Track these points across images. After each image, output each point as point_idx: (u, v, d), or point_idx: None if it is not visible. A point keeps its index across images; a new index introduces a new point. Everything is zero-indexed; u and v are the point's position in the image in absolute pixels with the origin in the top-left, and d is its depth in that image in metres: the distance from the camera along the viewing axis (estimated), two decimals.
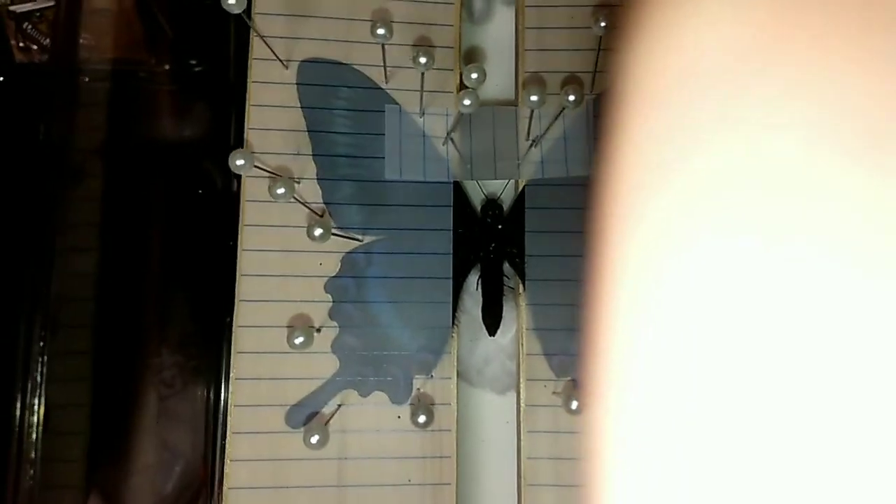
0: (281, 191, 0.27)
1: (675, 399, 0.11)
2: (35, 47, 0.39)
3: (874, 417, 0.09)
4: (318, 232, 0.27)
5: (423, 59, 0.28)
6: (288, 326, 0.31)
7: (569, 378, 0.32)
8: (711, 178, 0.11)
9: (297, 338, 0.27)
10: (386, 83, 0.33)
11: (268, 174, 0.31)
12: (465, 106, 0.28)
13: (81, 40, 0.38)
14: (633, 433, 0.12)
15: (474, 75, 0.28)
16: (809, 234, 0.10)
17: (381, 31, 0.28)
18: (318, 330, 0.31)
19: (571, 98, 0.28)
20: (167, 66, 0.38)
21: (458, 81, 0.34)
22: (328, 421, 0.30)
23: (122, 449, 0.33)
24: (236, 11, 0.28)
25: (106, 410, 0.33)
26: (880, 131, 0.10)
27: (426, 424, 0.29)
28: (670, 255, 0.11)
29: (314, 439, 0.26)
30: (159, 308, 0.34)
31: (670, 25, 0.12)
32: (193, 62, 0.37)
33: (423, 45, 0.33)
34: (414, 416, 0.29)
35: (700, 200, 0.11)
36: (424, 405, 0.29)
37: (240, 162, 0.27)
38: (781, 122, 0.11)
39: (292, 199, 0.28)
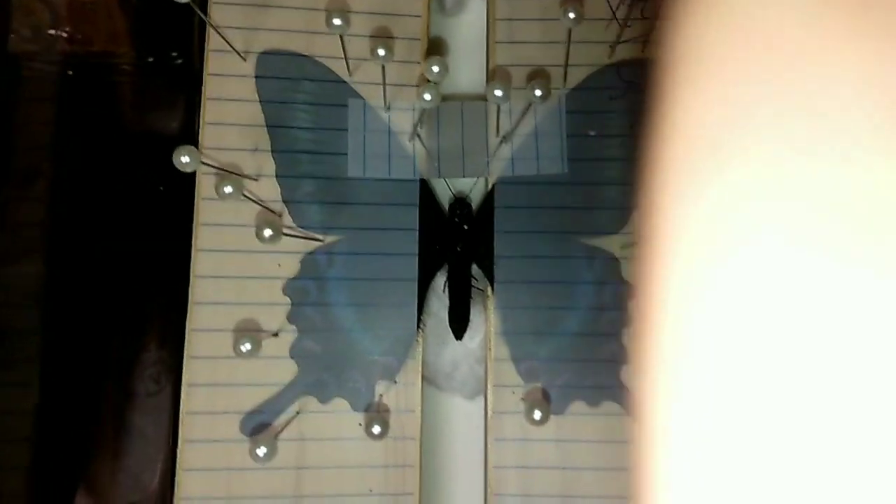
0: (228, 189, 0.25)
1: (723, 402, 0.11)
2: (13, 37, 0.38)
3: None
4: (267, 233, 0.26)
5: (381, 52, 0.27)
6: (235, 331, 0.29)
7: (537, 384, 0.30)
8: (764, 177, 0.11)
9: (243, 344, 0.26)
10: (350, 76, 0.32)
11: (218, 171, 0.30)
12: (425, 101, 0.26)
13: (62, 33, 0.37)
14: (684, 433, 0.12)
15: (435, 68, 0.26)
16: (861, 242, 0.10)
17: (337, 22, 0.27)
18: (276, 334, 0.30)
19: (538, 93, 0.27)
20: (150, 59, 0.36)
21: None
22: (281, 430, 0.28)
23: (107, 445, 0.32)
24: (182, 0, 0.26)
25: (93, 409, 0.32)
26: None
27: (381, 435, 0.28)
28: (720, 254, 0.11)
29: (261, 451, 0.25)
30: (142, 306, 0.33)
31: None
32: (175, 54, 0.36)
33: (384, 36, 0.32)
34: (368, 426, 0.28)
35: (752, 199, 0.11)
36: (379, 415, 0.28)
37: (185, 159, 0.25)
38: (841, 128, 0.11)
39: (242, 198, 0.27)
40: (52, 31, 0.37)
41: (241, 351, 0.26)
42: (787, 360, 0.11)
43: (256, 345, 0.26)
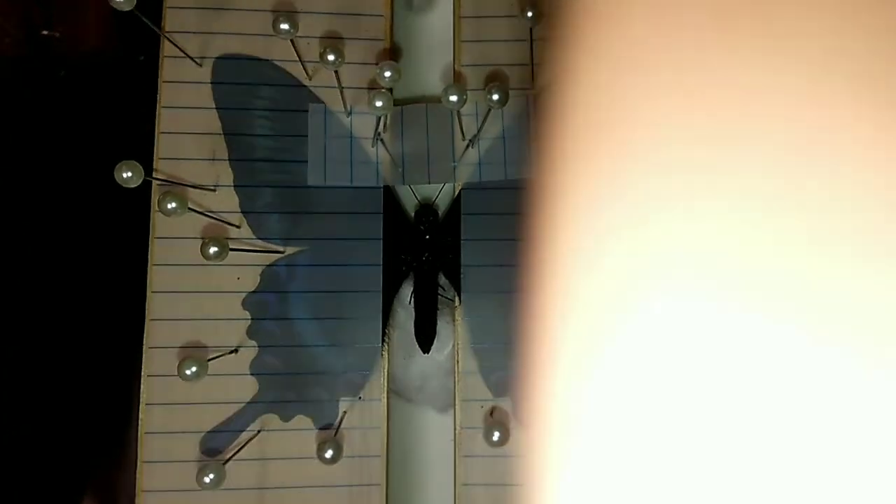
0: (172, 205, 0.24)
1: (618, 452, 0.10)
2: (7, 39, 0.37)
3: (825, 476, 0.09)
4: (213, 250, 0.25)
5: (331, 57, 0.25)
6: (193, 348, 0.28)
7: (504, 399, 0.29)
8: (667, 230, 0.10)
9: (188, 368, 0.25)
10: (309, 80, 0.31)
11: (170, 183, 0.29)
12: (377, 108, 0.25)
13: (55, 34, 0.37)
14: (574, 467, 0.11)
15: (388, 73, 0.25)
16: (756, 293, 0.10)
17: (284, 27, 0.25)
18: (235, 351, 0.29)
19: (495, 97, 0.26)
20: (141, 58, 0.36)
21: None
22: (232, 455, 0.27)
23: (115, 450, 0.32)
24: (126, 9, 0.25)
25: (100, 412, 0.32)
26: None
27: (334, 459, 0.27)
28: (615, 311, 0.11)
29: (208, 479, 0.24)
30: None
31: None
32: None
33: (334, 37, 0.30)
34: (321, 451, 0.26)
35: (648, 259, 0.10)
36: (332, 439, 0.27)
37: (127, 174, 0.24)
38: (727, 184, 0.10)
39: (189, 212, 0.26)
40: (45, 32, 0.36)
41: (185, 376, 0.25)
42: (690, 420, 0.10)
43: (203, 368, 0.25)
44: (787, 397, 0.09)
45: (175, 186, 0.29)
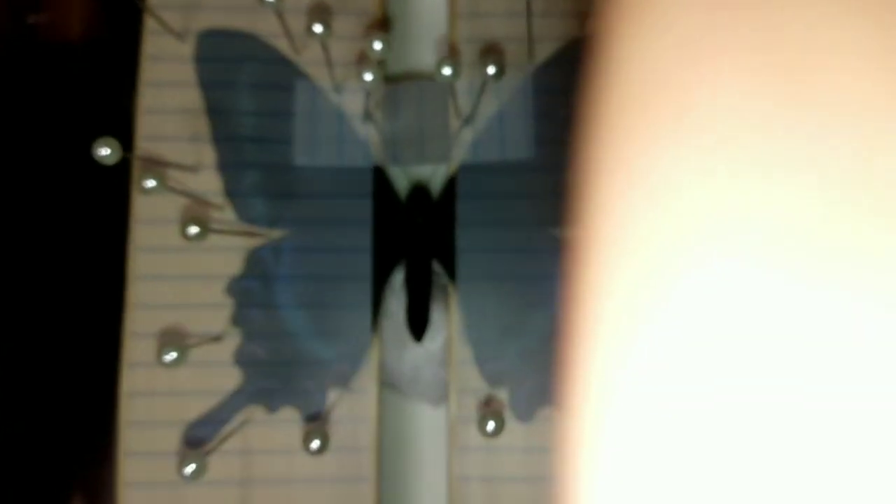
0: (151, 183, 0.23)
1: (658, 419, 0.10)
2: None
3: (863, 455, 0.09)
4: (193, 230, 0.24)
5: (318, 28, 0.24)
6: (175, 335, 0.27)
7: (499, 390, 0.28)
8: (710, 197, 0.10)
9: (167, 354, 0.24)
10: (297, 55, 0.29)
11: (149, 162, 0.27)
12: (365, 81, 0.24)
13: (42, 20, 0.35)
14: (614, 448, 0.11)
15: (377, 45, 0.24)
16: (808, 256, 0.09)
17: None
18: (218, 338, 0.28)
19: (491, 70, 0.24)
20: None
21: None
22: (215, 447, 0.26)
23: (102, 443, 0.30)
24: None
25: (84, 403, 0.31)
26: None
27: (320, 450, 0.26)
28: (659, 276, 0.10)
29: (189, 469, 0.23)
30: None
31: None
32: None
33: (323, 10, 0.29)
34: (306, 441, 0.25)
35: (696, 223, 0.10)
36: (318, 429, 0.26)
37: (104, 151, 0.23)
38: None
39: (170, 191, 0.25)
40: (32, 19, 0.35)
41: (164, 362, 0.24)
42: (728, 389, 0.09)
43: (183, 353, 0.24)
44: (845, 373, 0.09)
45: (155, 164, 0.27)
